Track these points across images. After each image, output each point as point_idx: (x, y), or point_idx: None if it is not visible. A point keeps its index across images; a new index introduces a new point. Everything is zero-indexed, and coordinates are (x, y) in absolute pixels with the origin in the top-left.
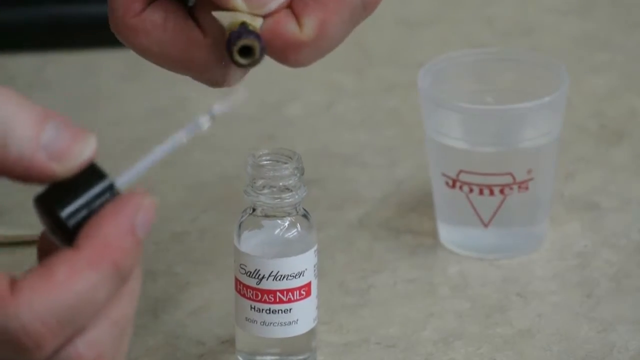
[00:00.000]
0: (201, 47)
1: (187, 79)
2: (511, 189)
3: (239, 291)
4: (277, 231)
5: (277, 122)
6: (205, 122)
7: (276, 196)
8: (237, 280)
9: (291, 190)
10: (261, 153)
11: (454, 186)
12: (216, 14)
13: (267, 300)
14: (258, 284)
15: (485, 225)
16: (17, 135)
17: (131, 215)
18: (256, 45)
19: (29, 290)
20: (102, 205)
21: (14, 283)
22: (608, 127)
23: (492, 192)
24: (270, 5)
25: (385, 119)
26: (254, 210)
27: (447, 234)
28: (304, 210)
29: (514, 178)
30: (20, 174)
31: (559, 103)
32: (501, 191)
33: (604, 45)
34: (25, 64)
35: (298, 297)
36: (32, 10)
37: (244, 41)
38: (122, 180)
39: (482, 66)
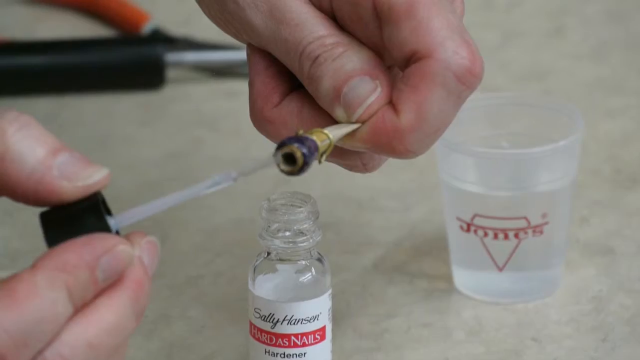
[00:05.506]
0: None
1: (202, 124)
2: (526, 233)
3: (253, 335)
4: (291, 275)
5: None
6: (224, 180)
7: (291, 240)
8: (251, 324)
9: (306, 234)
10: (276, 197)
11: (468, 230)
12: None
13: (282, 344)
14: (272, 328)
15: (500, 270)
16: (33, 154)
17: (98, 252)
18: (297, 153)
19: None
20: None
21: None
22: (623, 171)
23: (506, 236)
24: (358, 111)
25: (400, 163)
26: (268, 254)
27: (461, 278)
28: (319, 254)
29: (528, 222)
30: (30, 189)
31: (573, 147)
32: (516, 235)
33: (618, 90)
34: (42, 107)
35: (312, 341)
36: (49, 54)
37: (285, 149)
38: (121, 218)
39: (497, 111)
